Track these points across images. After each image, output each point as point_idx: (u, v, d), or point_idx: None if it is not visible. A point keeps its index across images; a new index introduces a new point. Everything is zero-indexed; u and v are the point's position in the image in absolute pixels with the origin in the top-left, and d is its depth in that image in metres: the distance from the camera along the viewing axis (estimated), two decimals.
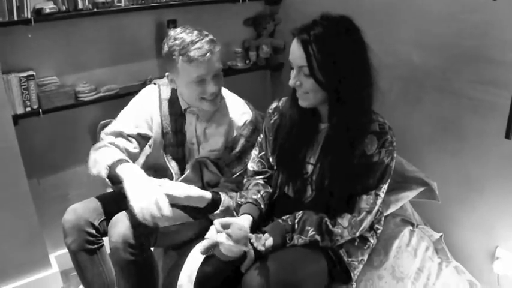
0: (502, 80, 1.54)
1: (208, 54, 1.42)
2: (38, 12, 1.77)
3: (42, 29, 1.83)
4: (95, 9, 1.90)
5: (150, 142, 1.65)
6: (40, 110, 1.88)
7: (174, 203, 1.51)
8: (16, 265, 1.98)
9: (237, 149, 1.58)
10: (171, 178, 1.62)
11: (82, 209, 1.48)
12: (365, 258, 1.39)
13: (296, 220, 1.29)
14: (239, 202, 1.41)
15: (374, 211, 1.29)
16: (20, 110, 1.85)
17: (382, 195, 1.29)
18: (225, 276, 1.29)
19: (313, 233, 1.27)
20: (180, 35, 1.44)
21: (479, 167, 1.69)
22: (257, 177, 1.47)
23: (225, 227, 1.23)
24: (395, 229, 1.60)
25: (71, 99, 1.97)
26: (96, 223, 1.47)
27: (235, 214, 1.48)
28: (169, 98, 1.62)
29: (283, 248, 1.27)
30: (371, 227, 1.41)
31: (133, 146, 1.55)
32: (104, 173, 1.39)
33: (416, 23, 1.77)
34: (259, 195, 1.40)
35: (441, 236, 1.66)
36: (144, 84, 1.99)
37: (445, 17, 1.67)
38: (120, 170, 1.37)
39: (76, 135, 2.09)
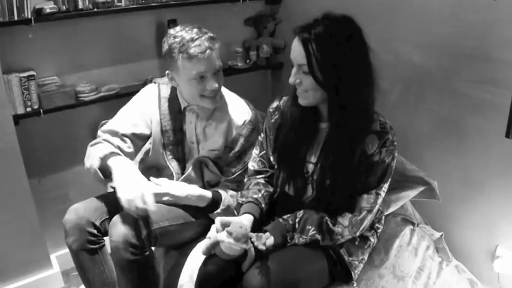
0: (503, 79, 1.54)
1: (207, 51, 1.43)
2: (38, 12, 1.77)
3: (42, 29, 1.83)
4: (95, 9, 1.90)
5: (150, 140, 1.66)
6: (41, 110, 1.88)
7: (174, 202, 1.52)
8: (17, 265, 1.98)
9: (237, 149, 1.59)
10: (172, 177, 1.63)
11: (83, 209, 1.48)
12: (366, 257, 1.40)
13: (297, 219, 1.30)
14: (240, 201, 1.41)
15: (375, 210, 1.30)
16: (20, 110, 1.85)
17: (382, 194, 1.30)
18: (226, 275, 1.29)
19: (313, 232, 1.27)
20: (179, 33, 1.46)
21: (480, 166, 1.69)
22: (258, 176, 1.47)
23: (226, 225, 1.24)
24: (396, 228, 1.60)
25: (72, 99, 1.97)
26: (97, 223, 1.47)
27: (235, 213, 1.49)
28: (168, 97, 1.63)
29: (284, 247, 1.28)
30: (371, 226, 1.42)
31: (127, 146, 1.57)
32: (96, 164, 1.43)
33: (417, 23, 1.78)
34: (260, 195, 1.40)
35: (442, 235, 1.66)
36: (144, 84, 1.99)
37: (445, 16, 1.67)
38: (111, 162, 1.41)
39: (77, 135, 2.09)
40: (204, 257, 1.30)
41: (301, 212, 1.31)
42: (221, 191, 1.58)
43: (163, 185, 1.53)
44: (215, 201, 1.55)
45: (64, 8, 1.83)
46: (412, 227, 1.63)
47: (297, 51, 1.20)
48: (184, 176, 1.63)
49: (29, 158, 1.92)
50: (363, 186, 1.27)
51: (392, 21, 1.87)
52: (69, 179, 2.14)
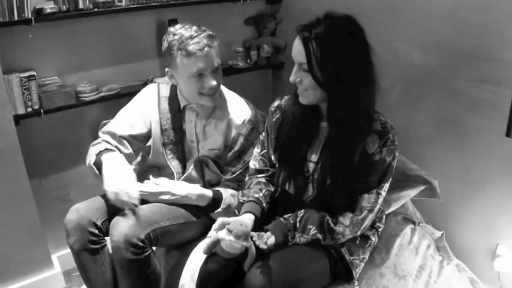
0: (503, 78, 1.54)
1: (206, 48, 1.44)
2: (38, 12, 1.77)
3: (42, 29, 1.83)
4: (96, 9, 1.90)
5: (151, 141, 1.66)
6: (41, 110, 1.88)
7: (175, 201, 1.52)
8: (18, 265, 1.98)
9: (236, 148, 1.59)
10: (172, 177, 1.63)
11: (85, 209, 1.49)
12: (366, 256, 1.40)
13: (298, 219, 1.30)
14: (241, 200, 1.41)
15: (375, 210, 1.30)
16: (21, 110, 1.85)
17: (383, 194, 1.30)
18: (227, 274, 1.30)
19: (315, 231, 1.27)
20: (178, 30, 1.47)
21: (480, 165, 1.69)
22: (259, 175, 1.47)
23: (226, 225, 1.24)
24: (396, 227, 1.60)
25: (72, 99, 1.97)
26: (98, 223, 1.48)
27: (236, 212, 1.49)
28: (168, 96, 1.64)
29: (285, 247, 1.28)
30: (372, 226, 1.42)
31: (125, 147, 1.60)
32: (92, 161, 1.50)
33: (418, 22, 1.77)
34: (261, 194, 1.40)
35: (442, 234, 1.66)
36: (145, 84, 2.00)
37: (446, 16, 1.67)
38: (103, 157, 1.48)
39: (77, 135, 2.09)
40: (205, 256, 1.30)
41: (302, 211, 1.31)
42: (222, 190, 1.58)
43: (162, 184, 1.53)
44: (216, 201, 1.55)
45: (64, 8, 1.82)
46: (413, 226, 1.63)
47: (297, 49, 1.21)
48: (185, 175, 1.63)
49: (30, 158, 1.92)
50: (364, 185, 1.27)
51: (392, 20, 1.87)
52: (70, 179, 2.14)
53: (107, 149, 1.53)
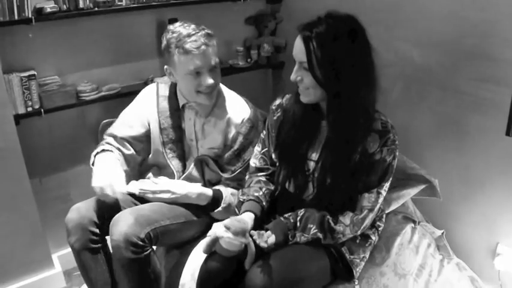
0: (503, 77, 1.54)
1: (203, 46, 1.45)
2: (38, 12, 1.77)
3: (43, 29, 1.83)
4: (96, 9, 1.90)
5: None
6: (42, 110, 1.88)
7: (175, 200, 1.52)
8: (18, 265, 1.98)
9: (236, 147, 1.59)
10: (173, 176, 1.63)
11: (85, 208, 1.49)
12: (367, 255, 1.40)
13: (298, 218, 1.30)
14: (241, 199, 1.41)
15: (376, 209, 1.30)
16: (21, 110, 1.85)
17: (384, 193, 1.30)
18: (228, 273, 1.30)
19: (315, 230, 1.27)
20: (177, 28, 1.48)
21: (480, 164, 1.70)
22: (259, 174, 1.47)
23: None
24: (397, 226, 1.60)
25: (73, 99, 1.96)
26: (99, 222, 1.48)
27: (236, 211, 1.49)
28: (167, 95, 1.65)
29: (285, 246, 1.28)
30: (373, 225, 1.42)
31: (126, 148, 1.62)
32: (91, 162, 1.55)
33: (418, 22, 1.78)
34: (261, 193, 1.40)
35: (443, 233, 1.67)
36: (145, 84, 2.00)
37: (446, 15, 1.67)
38: (97, 158, 1.54)
39: (78, 135, 2.09)
40: (206, 255, 1.30)
41: (303, 210, 1.31)
42: (222, 189, 1.58)
43: (162, 183, 1.53)
44: (216, 199, 1.55)
45: (65, 7, 1.82)
46: (413, 225, 1.64)
47: (298, 48, 1.21)
48: (185, 174, 1.63)
49: (30, 157, 1.92)
50: (364, 185, 1.27)
51: (393, 19, 1.87)
52: (71, 178, 2.14)
53: (104, 150, 1.57)
